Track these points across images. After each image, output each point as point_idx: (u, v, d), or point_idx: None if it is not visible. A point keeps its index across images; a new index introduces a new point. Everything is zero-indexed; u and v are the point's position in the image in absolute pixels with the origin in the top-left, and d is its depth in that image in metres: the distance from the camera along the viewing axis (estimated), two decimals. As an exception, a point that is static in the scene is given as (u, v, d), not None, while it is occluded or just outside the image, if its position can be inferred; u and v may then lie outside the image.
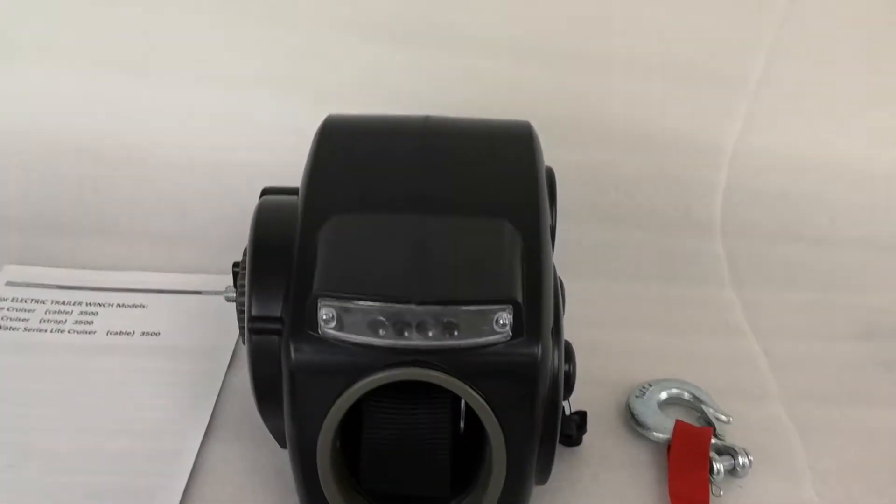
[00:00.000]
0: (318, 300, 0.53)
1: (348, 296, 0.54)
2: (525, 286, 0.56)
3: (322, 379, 0.55)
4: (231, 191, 0.93)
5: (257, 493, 0.67)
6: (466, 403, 0.58)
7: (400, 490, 0.61)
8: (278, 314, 0.57)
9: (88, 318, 0.83)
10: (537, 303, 0.56)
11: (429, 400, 0.58)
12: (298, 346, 0.55)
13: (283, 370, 0.57)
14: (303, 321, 0.55)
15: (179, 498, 0.66)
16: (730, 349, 0.84)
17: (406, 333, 0.53)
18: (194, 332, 0.82)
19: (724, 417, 0.73)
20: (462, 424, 0.62)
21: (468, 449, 0.62)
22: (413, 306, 0.53)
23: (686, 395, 0.76)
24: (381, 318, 0.53)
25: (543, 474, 0.62)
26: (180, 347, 0.81)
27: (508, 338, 0.54)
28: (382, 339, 0.54)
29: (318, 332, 0.54)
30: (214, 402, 0.75)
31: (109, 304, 0.85)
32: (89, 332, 0.82)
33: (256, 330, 0.58)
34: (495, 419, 0.55)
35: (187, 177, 0.98)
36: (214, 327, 0.83)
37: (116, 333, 0.82)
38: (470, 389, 0.54)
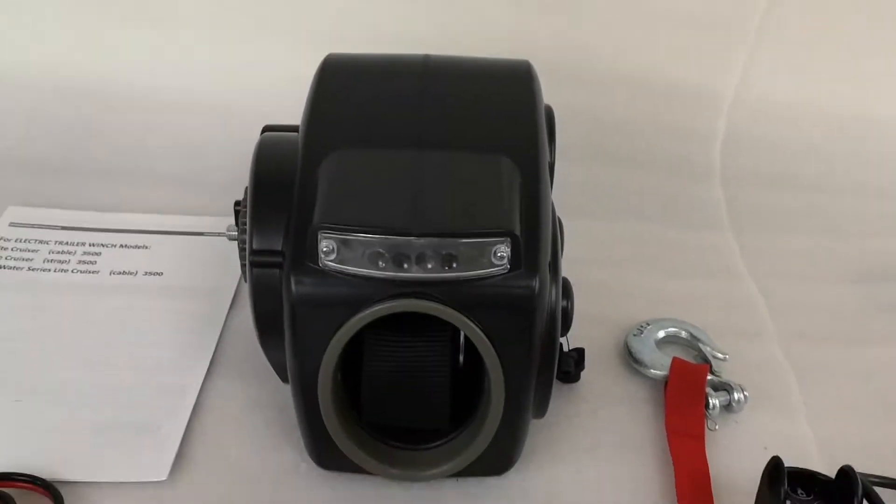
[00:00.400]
0: (319, 232, 0.54)
1: (348, 228, 0.54)
2: (523, 220, 0.56)
3: (322, 311, 0.56)
4: (234, 133, 0.93)
5: (259, 429, 0.68)
6: (466, 336, 0.59)
7: (400, 422, 0.62)
8: (279, 248, 0.58)
9: (92, 258, 0.84)
10: (535, 236, 0.56)
11: (429, 333, 0.59)
12: (299, 279, 0.55)
13: (283, 303, 0.57)
14: (303, 254, 0.55)
15: (182, 432, 0.67)
16: (728, 291, 0.85)
17: (405, 266, 0.54)
18: (197, 273, 0.83)
19: (720, 355, 0.74)
20: (461, 358, 0.63)
21: (468, 382, 0.62)
22: (412, 239, 0.54)
23: (683, 334, 0.77)
24: (381, 250, 0.54)
25: (541, 408, 0.63)
26: (183, 287, 0.82)
27: (506, 270, 0.55)
28: (382, 272, 0.54)
29: (318, 265, 0.55)
30: (216, 340, 0.75)
31: (112, 245, 0.86)
32: (93, 272, 0.82)
33: (257, 263, 0.58)
34: (493, 351, 0.56)
35: (191, 119, 0.98)
36: (217, 268, 0.83)
37: (120, 273, 0.83)
38: (468, 321, 0.55)
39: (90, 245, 0.86)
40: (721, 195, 0.98)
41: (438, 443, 0.63)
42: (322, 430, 0.60)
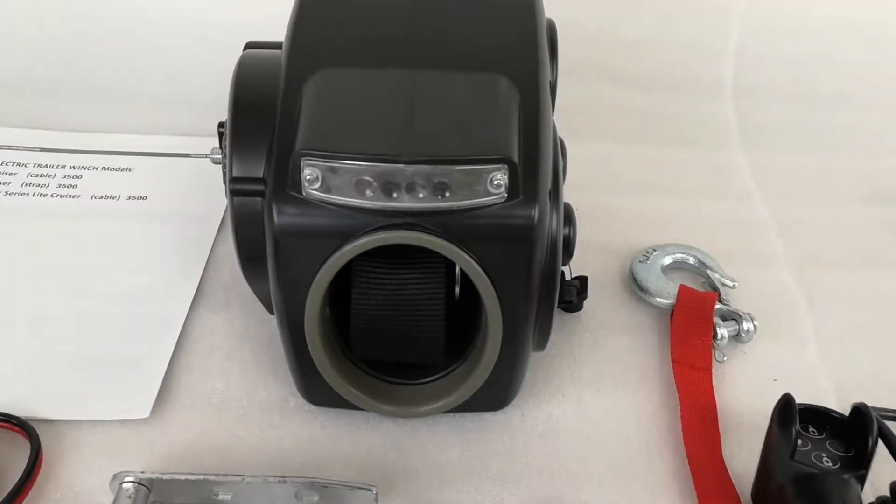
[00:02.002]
0: (302, 159, 0.50)
1: (334, 154, 0.50)
2: (522, 144, 0.52)
3: (307, 243, 0.53)
4: (220, 51, 0.88)
5: (247, 361, 0.65)
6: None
7: (392, 357, 0.59)
8: (261, 175, 0.54)
9: (72, 181, 0.80)
10: (534, 162, 0.53)
11: (422, 263, 0.56)
12: (281, 209, 0.52)
13: (266, 234, 0.54)
14: (286, 182, 0.52)
15: (166, 365, 0.64)
16: (737, 213, 0.81)
17: (395, 195, 0.50)
18: (182, 197, 0.79)
19: (728, 282, 0.71)
20: (457, 289, 0.59)
21: (463, 313, 0.59)
22: (402, 166, 0.50)
23: (691, 260, 0.73)
24: (369, 178, 0.50)
25: (541, 341, 0.60)
26: (168, 212, 0.78)
27: (503, 199, 0.52)
28: (370, 201, 0.51)
29: (301, 194, 0.51)
30: (203, 267, 0.72)
31: (94, 168, 0.82)
32: (73, 196, 0.79)
33: (238, 192, 0.55)
34: (490, 285, 0.53)
35: (175, 38, 0.94)
36: (203, 191, 0.80)
37: (101, 197, 0.79)
38: (463, 254, 0.52)
39: (70, 168, 0.82)
40: (732, 113, 0.93)
41: (433, 377, 0.60)
42: (311, 365, 0.57)
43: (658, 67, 0.95)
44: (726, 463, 0.59)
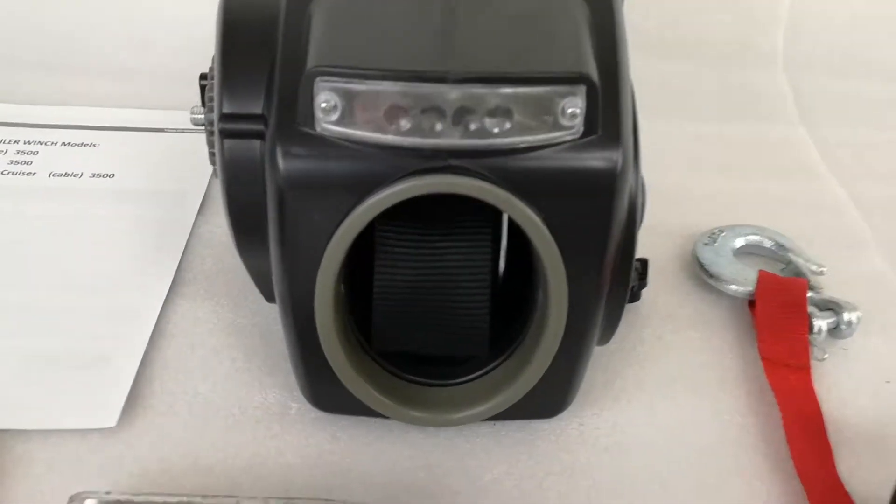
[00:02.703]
0: (316, 80, 0.38)
1: (357, 73, 0.38)
2: (598, 66, 0.39)
3: (321, 195, 0.41)
4: (198, 17, 0.76)
5: (237, 359, 0.53)
6: (511, 235, 0.45)
7: (422, 349, 0.46)
8: (259, 111, 0.41)
9: (26, 157, 0.68)
10: (614, 90, 0.40)
11: (462, 228, 0.43)
12: (288, 150, 0.39)
13: (267, 187, 0.41)
14: (293, 115, 0.40)
15: (137, 364, 0.52)
16: (808, 193, 0.70)
17: (437, 127, 0.38)
18: (157, 174, 0.67)
19: (816, 267, 0.58)
20: (502, 266, 0.46)
21: (508, 299, 0.48)
22: (449, 85, 0.37)
23: (767, 243, 0.61)
24: (404, 103, 0.38)
25: (608, 331, 0.48)
26: (139, 191, 0.66)
27: (578, 135, 0.39)
28: (405, 136, 0.39)
29: (315, 129, 0.39)
30: (181, 252, 0.60)
31: (52, 143, 0.70)
32: (27, 174, 0.66)
33: (230, 132, 0.42)
34: (557, 252, 0.40)
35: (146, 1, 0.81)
36: (181, 168, 0.67)
37: (60, 175, 0.67)
38: (526, 209, 0.39)
39: (25, 143, 0.70)
40: (785, 84, 0.82)
41: (473, 376, 0.48)
42: (320, 360, 0.45)
43: (703, 36, 0.82)
44: (843, 482, 0.46)
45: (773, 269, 0.61)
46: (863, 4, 0.86)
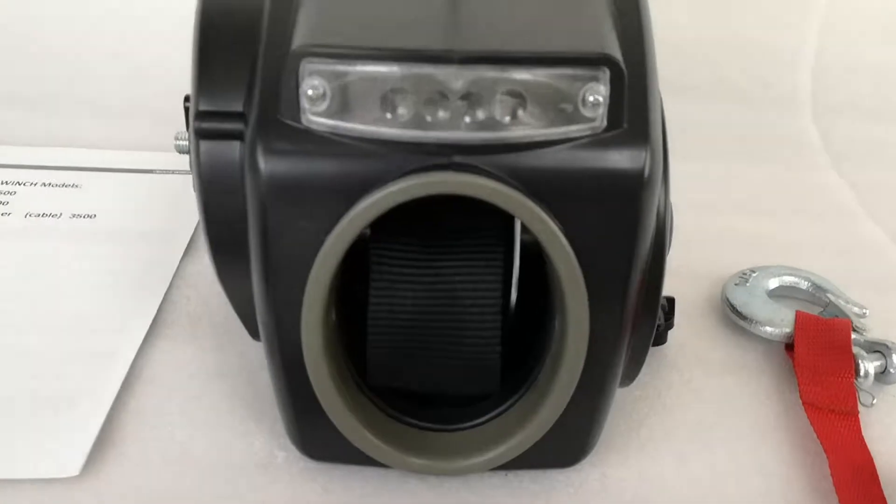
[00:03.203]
0: (302, 63, 0.33)
1: (348, 53, 0.33)
2: (622, 52, 0.34)
3: (307, 199, 0.36)
4: (183, 51, 0.72)
5: (219, 406, 0.47)
6: (524, 254, 0.40)
7: (425, 388, 0.40)
8: (240, 108, 0.36)
9: (3, 197, 0.63)
10: (642, 78, 0.35)
11: (470, 245, 0.37)
12: (270, 147, 0.34)
13: (247, 193, 0.35)
14: (276, 106, 0.34)
15: (108, 409, 0.47)
16: (843, 234, 0.65)
17: (442, 116, 0.33)
18: (142, 215, 0.62)
19: (858, 309, 0.52)
20: (513, 294, 0.41)
21: (521, 328, 0.42)
22: (453, 67, 0.32)
23: (804, 284, 0.56)
24: (403, 87, 0.32)
25: (632, 369, 0.42)
26: (122, 231, 0.61)
27: (601, 128, 0.34)
28: (403, 129, 0.34)
29: (300, 122, 0.34)
30: (164, 292, 0.55)
31: (32, 184, 0.65)
32: (2, 214, 0.60)
33: (206, 132, 0.37)
34: (578, 269, 0.34)
35: (138, 35, 0.76)
36: (168, 209, 0.63)
37: (38, 216, 0.62)
38: (545, 216, 0.33)
39: (3, 183, 0.64)
40: (810, 125, 0.77)
41: (482, 419, 0.43)
42: (309, 400, 0.40)
43: (724, 75, 0.78)
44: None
45: (811, 311, 0.54)
46: (888, 49, 0.81)
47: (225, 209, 0.39)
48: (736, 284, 0.56)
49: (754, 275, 0.56)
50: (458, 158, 0.34)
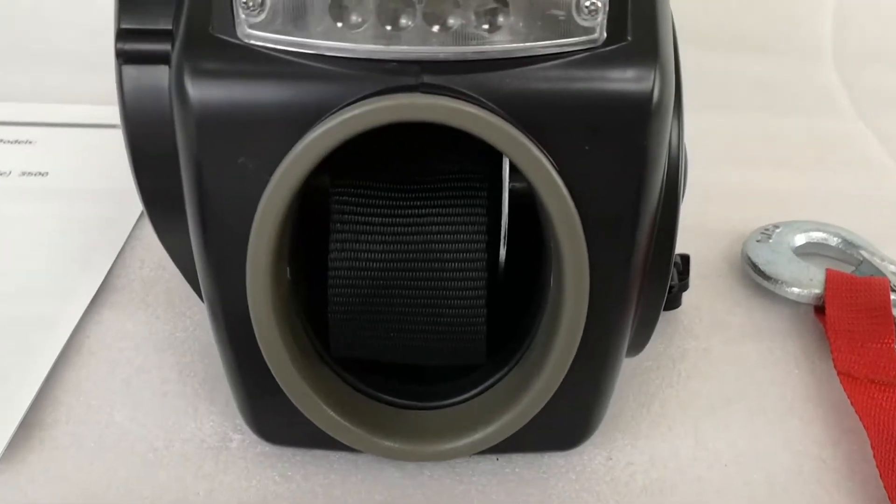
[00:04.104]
0: (233, -38, 0.26)
1: None
2: None
3: (246, 130, 0.29)
4: None
5: (168, 381, 0.42)
6: (516, 200, 0.34)
7: (398, 358, 0.34)
8: (168, 26, 0.30)
9: (-55, 154, 0.56)
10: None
11: (448, 187, 0.31)
12: (199, 67, 0.28)
13: (177, 126, 0.29)
14: (207, 16, 0.27)
15: (39, 384, 0.41)
16: (874, 187, 0.58)
17: (405, 23, 0.26)
18: (97, 172, 0.56)
19: (895, 267, 0.45)
20: (502, 250, 0.34)
21: (512, 290, 0.37)
22: None
23: (833, 241, 0.50)
24: (356, -11, 0.26)
25: (642, 336, 0.35)
26: (76, 190, 0.56)
27: (600, 41, 0.27)
28: (360, 43, 0.27)
29: (235, 36, 0.28)
30: (115, 255, 0.48)
31: (-23, 139, 0.57)
32: (-57, 172, 0.54)
33: (129, 55, 0.31)
34: (575, 215, 0.28)
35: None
36: (128, 167, 0.54)
37: (-15, 173, 0.54)
38: (534, 149, 0.27)
39: (-54, 139, 0.57)
40: (834, 76, 0.70)
41: (467, 395, 0.37)
42: (262, 376, 0.34)
43: (744, 29, 0.70)
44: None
45: (842, 270, 0.48)
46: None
47: (156, 149, 0.33)
48: (758, 241, 0.49)
49: (777, 230, 0.50)
50: (427, 78, 0.28)
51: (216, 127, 0.29)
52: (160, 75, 0.32)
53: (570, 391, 0.34)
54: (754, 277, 0.48)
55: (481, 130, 0.28)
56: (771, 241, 0.50)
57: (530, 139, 0.28)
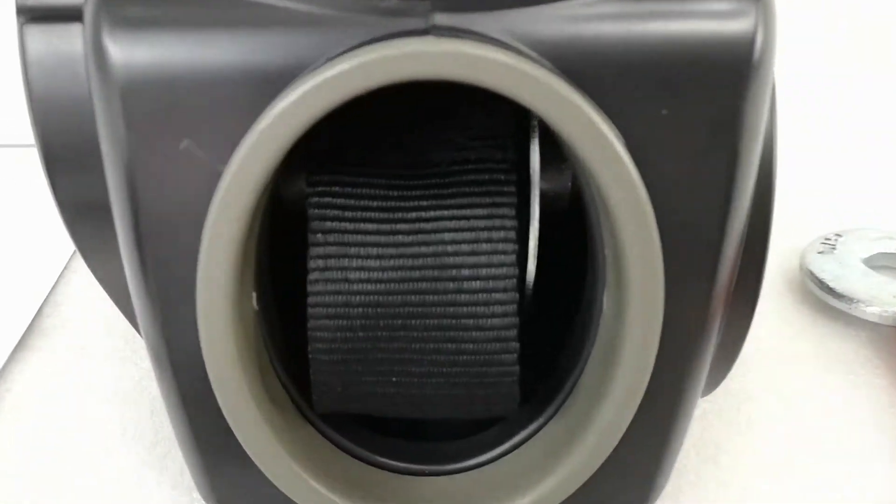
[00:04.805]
0: None
1: None
2: None
3: (191, 105, 0.20)
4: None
5: (105, 445, 0.32)
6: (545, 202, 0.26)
7: (400, 412, 0.25)
8: None
9: None
10: None
11: (463, 178, 0.25)
12: (122, 18, 0.20)
13: (95, 102, 0.20)
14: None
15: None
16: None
17: None
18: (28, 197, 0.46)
19: None
20: (531, 266, 0.27)
21: (540, 313, 0.28)
22: None
23: (911, 252, 0.40)
24: None
25: (722, 367, 0.27)
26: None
27: None
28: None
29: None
30: (46, 293, 0.38)
31: None
32: None
33: (32, 12, 0.22)
34: (648, 206, 0.19)
35: None
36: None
37: None
38: (594, 115, 0.18)
39: None
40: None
41: (489, 456, 0.28)
42: (226, 438, 0.25)
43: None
44: None
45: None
46: None
47: (75, 140, 0.24)
48: (819, 253, 0.41)
49: (841, 239, 0.42)
50: (439, 18, 0.19)
51: (148, 98, 0.21)
52: (69, 35, 0.23)
53: (630, 446, 0.26)
54: (821, 296, 0.40)
55: (519, 88, 0.19)
56: (835, 251, 0.41)
57: (587, 100, 0.20)
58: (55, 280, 0.41)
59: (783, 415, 0.35)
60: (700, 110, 0.21)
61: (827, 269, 0.41)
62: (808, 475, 0.32)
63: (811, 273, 0.41)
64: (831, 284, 0.40)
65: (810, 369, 0.37)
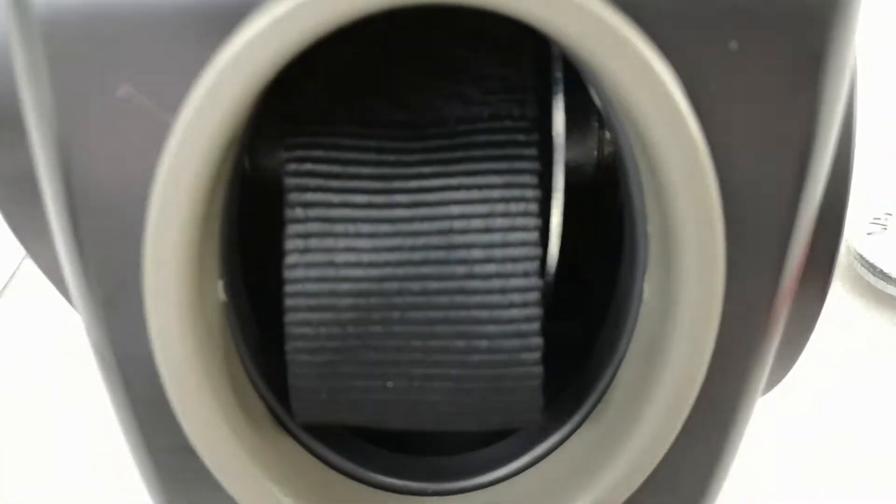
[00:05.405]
0: None
1: None
2: None
3: (129, 51, 0.15)
4: None
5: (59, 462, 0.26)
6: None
7: (396, 420, 0.21)
8: None
9: None
10: None
11: (472, 139, 0.20)
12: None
13: (14, 46, 0.15)
14: None
15: None
16: None
17: None
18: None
19: None
20: (555, 234, 0.21)
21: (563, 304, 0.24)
22: None
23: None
24: None
25: (784, 364, 0.22)
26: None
27: None
28: None
29: None
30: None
31: None
32: None
33: None
34: (709, 173, 0.14)
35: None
36: None
37: None
38: (643, 49, 0.13)
39: None
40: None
41: (506, 471, 0.24)
42: (185, 453, 0.21)
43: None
44: None
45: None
46: None
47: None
48: (869, 234, 0.36)
49: (892, 218, 0.37)
50: None
51: (77, 37, 0.16)
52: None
53: (677, 459, 0.21)
54: (873, 282, 0.36)
55: (545, 9, 0.14)
56: (887, 231, 0.37)
57: (635, 30, 0.15)
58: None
59: (841, 416, 0.30)
60: (777, 45, 0.17)
61: (880, 253, 0.36)
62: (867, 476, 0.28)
63: (860, 256, 0.36)
64: (884, 269, 0.35)
65: (867, 362, 0.34)
